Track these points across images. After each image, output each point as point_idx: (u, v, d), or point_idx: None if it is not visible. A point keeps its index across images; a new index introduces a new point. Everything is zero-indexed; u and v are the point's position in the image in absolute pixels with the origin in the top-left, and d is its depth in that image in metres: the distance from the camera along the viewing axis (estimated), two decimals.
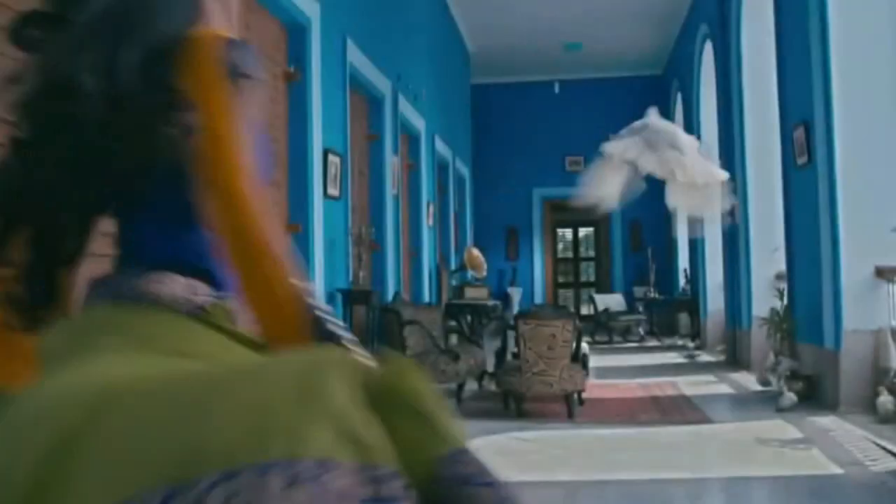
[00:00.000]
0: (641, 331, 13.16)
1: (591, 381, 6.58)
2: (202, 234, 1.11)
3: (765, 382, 6.84)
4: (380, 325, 6.41)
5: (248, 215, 1.06)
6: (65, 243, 1.21)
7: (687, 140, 5.52)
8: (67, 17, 1.10)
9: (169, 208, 1.16)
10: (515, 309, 12.97)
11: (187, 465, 0.84)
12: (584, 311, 15.09)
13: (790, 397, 5.87)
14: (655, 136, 5.49)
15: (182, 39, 1.10)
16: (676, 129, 5.72)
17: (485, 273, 10.37)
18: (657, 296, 13.34)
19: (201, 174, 1.08)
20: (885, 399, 5.17)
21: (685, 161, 5.39)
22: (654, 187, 6.02)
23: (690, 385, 7.41)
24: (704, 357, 9.89)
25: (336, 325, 1.15)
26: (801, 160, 6.36)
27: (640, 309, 13.59)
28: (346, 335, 1.14)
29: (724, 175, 5.81)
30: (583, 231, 17.25)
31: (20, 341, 1.13)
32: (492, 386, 6.97)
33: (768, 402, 6.16)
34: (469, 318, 8.66)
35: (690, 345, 10.42)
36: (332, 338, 1.13)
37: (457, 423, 1.04)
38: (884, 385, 5.31)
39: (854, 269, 5.70)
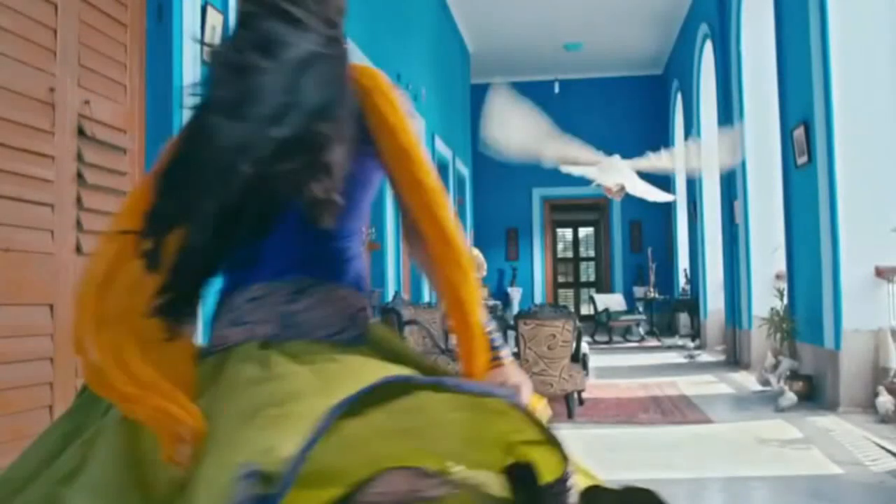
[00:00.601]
0: (641, 331, 13.16)
1: (591, 380, 6.58)
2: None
3: (765, 382, 6.84)
4: None
5: (444, 206, 1.42)
6: (217, 261, 1.40)
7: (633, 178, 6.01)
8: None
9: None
10: (515, 309, 12.97)
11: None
12: (584, 311, 15.10)
13: (790, 397, 5.88)
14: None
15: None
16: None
17: (485, 273, 10.37)
18: (657, 296, 13.34)
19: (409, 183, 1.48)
20: (884, 399, 5.17)
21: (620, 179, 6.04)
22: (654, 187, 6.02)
23: (690, 385, 7.41)
24: (704, 357, 9.89)
25: (498, 342, 1.42)
26: (801, 160, 6.36)
27: (640, 309, 13.59)
28: (505, 352, 1.42)
29: (669, 197, 6.40)
30: (583, 231, 17.25)
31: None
32: None
33: (768, 402, 6.17)
34: None
35: (690, 345, 10.43)
36: (496, 349, 1.40)
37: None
38: (883, 385, 5.31)
39: (854, 269, 5.70)
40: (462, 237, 1.42)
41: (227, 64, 1.30)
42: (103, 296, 1.28)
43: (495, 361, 1.39)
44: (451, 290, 1.39)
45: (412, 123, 1.48)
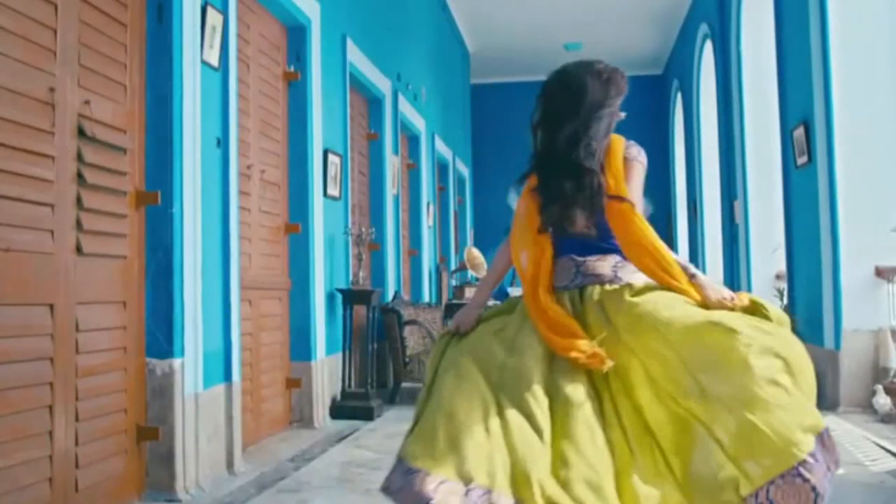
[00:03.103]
0: None
1: None
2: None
3: None
4: (380, 325, 6.41)
5: (644, 226, 2.24)
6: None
7: None
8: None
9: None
10: None
11: None
12: None
13: None
14: None
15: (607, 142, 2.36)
16: None
17: (485, 273, 10.36)
18: None
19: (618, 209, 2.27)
20: (882, 399, 5.18)
21: None
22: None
23: None
24: None
25: (691, 270, 2.25)
26: (801, 160, 6.36)
27: None
28: (696, 271, 2.24)
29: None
30: None
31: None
32: None
33: None
34: None
35: None
36: (693, 275, 2.23)
37: None
38: (881, 385, 5.31)
39: (854, 269, 5.70)
40: (650, 234, 2.25)
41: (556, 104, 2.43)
42: (546, 270, 2.35)
43: (692, 279, 2.21)
44: (650, 268, 2.24)
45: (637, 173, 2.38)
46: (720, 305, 2.16)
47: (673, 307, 2.16)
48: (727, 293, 2.19)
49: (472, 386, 2.16)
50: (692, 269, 2.24)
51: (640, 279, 2.27)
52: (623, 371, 2.18)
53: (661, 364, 2.13)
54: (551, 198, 2.33)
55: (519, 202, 2.44)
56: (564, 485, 2.00)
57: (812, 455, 1.94)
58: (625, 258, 2.30)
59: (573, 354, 2.15)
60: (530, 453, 2.03)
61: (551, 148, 2.36)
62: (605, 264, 2.31)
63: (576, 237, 2.32)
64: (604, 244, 2.32)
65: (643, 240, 2.23)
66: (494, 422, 2.08)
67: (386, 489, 2.08)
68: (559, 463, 2.04)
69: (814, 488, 1.92)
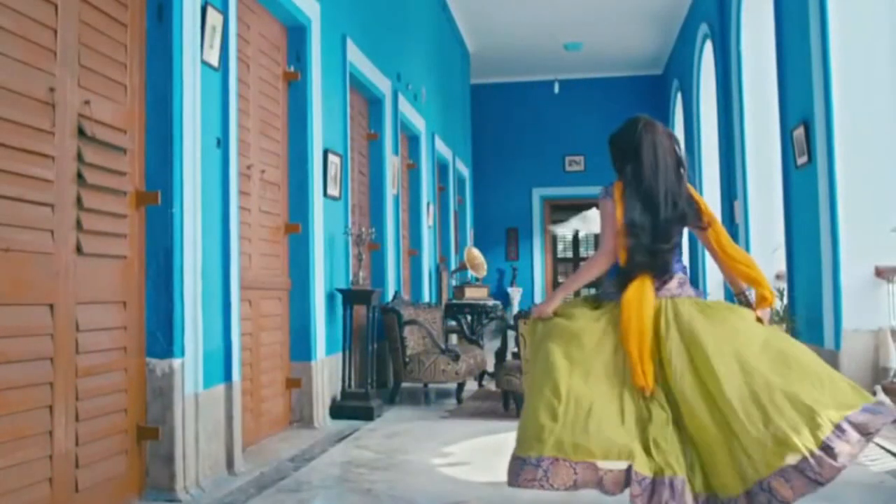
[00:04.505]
0: None
1: None
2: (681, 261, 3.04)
3: None
4: (380, 325, 6.41)
5: (733, 246, 3.06)
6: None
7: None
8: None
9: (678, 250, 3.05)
10: (515, 309, 12.97)
11: None
12: None
13: None
14: None
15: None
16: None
17: (485, 273, 10.36)
18: None
19: (714, 236, 3.05)
20: (880, 397, 5.17)
21: None
22: None
23: None
24: None
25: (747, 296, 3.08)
26: (801, 160, 6.36)
27: None
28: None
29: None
30: (583, 231, 17.24)
31: None
32: (492, 386, 6.98)
33: None
34: (469, 318, 8.65)
35: None
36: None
37: None
38: (880, 385, 5.31)
39: (854, 268, 5.70)
40: (739, 252, 3.10)
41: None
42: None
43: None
44: (745, 277, 3.04)
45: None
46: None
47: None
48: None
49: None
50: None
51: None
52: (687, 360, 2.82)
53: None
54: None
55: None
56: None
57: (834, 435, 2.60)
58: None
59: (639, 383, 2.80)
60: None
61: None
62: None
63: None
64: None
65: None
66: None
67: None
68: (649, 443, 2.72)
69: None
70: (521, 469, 2.70)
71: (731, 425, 2.65)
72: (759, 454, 2.59)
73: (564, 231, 8.10)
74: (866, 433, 2.62)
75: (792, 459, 2.56)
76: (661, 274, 2.93)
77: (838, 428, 2.58)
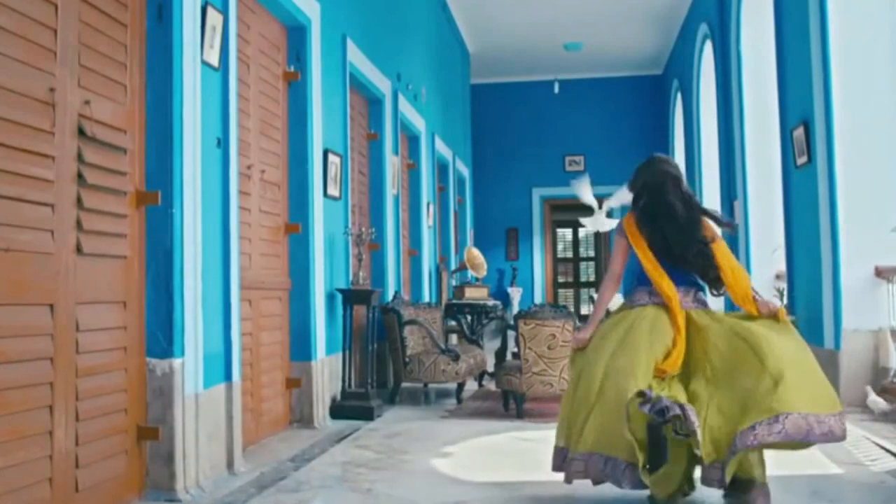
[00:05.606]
0: None
1: None
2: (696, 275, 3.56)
3: None
4: (380, 325, 6.41)
5: (738, 268, 3.51)
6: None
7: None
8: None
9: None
10: (515, 309, 12.96)
11: None
12: (584, 311, 15.10)
13: None
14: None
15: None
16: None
17: (485, 273, 10.36)
18: None
19: (720, 259, 3.47)
20: (873, 398, 5.19)
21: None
22: None
23: None
24: None
25: (754, 292, 3.41)
26: (801, 160, 6.36)
27: None
28: (756, 294, 3.41)
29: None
30: (583, 231, 17.24)
31: None
32: (492, 386, 6.98)
33: None
34: (469, 318, 8.65)
35: None
36: (755, 294, 3.42)
37: None
38: (880, 384, 5.31)
39: (854, 269, 5.70)
40: (739, 271, 3.49)
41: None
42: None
43: (756, 296, 3.36)
44: (739, 292, 3.41)
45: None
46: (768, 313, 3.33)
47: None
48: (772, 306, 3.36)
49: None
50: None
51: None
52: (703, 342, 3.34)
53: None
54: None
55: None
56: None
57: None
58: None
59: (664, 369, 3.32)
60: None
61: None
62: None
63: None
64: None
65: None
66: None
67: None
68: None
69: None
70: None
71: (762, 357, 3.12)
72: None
73: (588, 229, 8.86)
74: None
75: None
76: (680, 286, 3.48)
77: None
